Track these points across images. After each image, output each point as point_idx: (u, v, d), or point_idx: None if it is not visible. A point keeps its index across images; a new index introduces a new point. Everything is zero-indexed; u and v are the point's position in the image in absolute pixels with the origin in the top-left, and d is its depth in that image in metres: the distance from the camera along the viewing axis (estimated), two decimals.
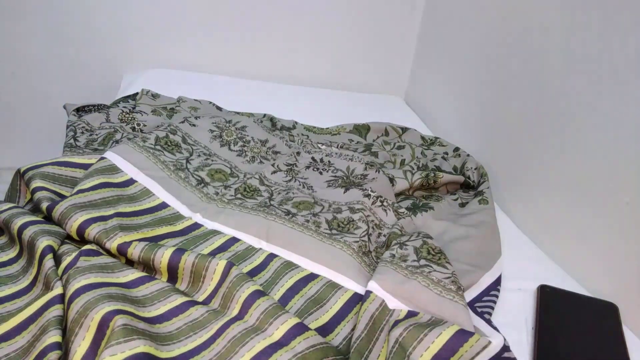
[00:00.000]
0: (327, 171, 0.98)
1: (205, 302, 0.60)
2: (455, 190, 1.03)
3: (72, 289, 0.53)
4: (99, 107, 1.10)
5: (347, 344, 0.60)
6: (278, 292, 0.65)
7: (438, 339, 0.54)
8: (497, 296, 0.71)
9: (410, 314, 0.61)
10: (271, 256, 0.72)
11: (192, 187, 0.85)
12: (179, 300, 0.57)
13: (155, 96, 1.22)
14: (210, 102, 1.28)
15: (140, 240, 0.66)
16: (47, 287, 0.56)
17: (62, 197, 0.74)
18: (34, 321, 0.53)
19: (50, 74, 1.55)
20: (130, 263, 0.65)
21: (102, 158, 0.81)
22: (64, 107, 1.10)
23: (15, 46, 1.48)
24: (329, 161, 1.01)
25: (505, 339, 0.59)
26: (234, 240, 0.74)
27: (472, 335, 0.54)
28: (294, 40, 1.63)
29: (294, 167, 0.98)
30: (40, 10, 1.44)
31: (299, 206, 0.83)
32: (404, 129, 1.25)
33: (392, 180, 0.97)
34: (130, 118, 1.06)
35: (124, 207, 0.74)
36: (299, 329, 0.54)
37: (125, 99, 1.20)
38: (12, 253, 0.64)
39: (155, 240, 0.70)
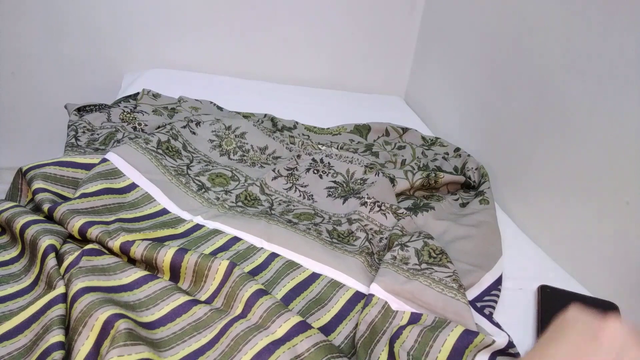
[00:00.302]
0: (327, 175, 0.98)
1: (208, 302, 0.60)
2: (456, 190, 1.03)
3: (75, 288, 0.53)
4: (100, 107, 1.10)
5: (349, 343, 0.60)
6: (280, 292, 0.65)
7: (445, 345, 0.54)
8: (498, 296, 0.72)
9: (414, 317, 0.61)
10: (273, 255, 0.72)
11: (193, 192, 0.85)
12: (182, 299, 0.57)
13: (156, 96, 1.22)
14: (211, 102, 1.28)
15: (142, 240, 0.66)
16: (50, 286, 0.56)
17: (64, 198, 0.74)
18: (36, 320, 0.53)
19: (51, 74, 1.55)
20: (132, 262, 0.65)
21: (105, 160, 0.81)
22: (65, 107, 1.10)
23: (16, 46, 1.48)
24: (328, 163, 1.01)
25: (509, 336, 0.59)
26: (235, 239, 0.74)
27: (477, 334, 0.55)
28: (294, 40, 1.64)
29: (295, 171, 0.98)
30: (40, 10, 1.44)
31: (300, 217, 0.84)
32: (405, 129, 1.25)
33: (392, 180, 0.97)
34: (131, 118, 1.06)
35: (125, 214, 0.75)
36: (302, 327, 0.55)
37: (126, 98, 1.20)
38: (14, 252, 0.64)
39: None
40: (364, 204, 0.87)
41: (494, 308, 0.69)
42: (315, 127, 1.24)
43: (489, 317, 0.64)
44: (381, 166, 1.06)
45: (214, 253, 0.71)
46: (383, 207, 0.87)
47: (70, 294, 0.53)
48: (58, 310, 0.52)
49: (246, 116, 1.25)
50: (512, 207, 1.01)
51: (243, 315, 0.57)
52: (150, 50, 1.56)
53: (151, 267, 0.64)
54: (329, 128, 1.25)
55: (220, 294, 0.60)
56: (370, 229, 0.83)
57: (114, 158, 0.82)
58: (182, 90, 1.33)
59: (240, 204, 0.86)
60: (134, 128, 1.04)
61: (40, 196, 0.70)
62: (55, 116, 1.58)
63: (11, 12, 1.43)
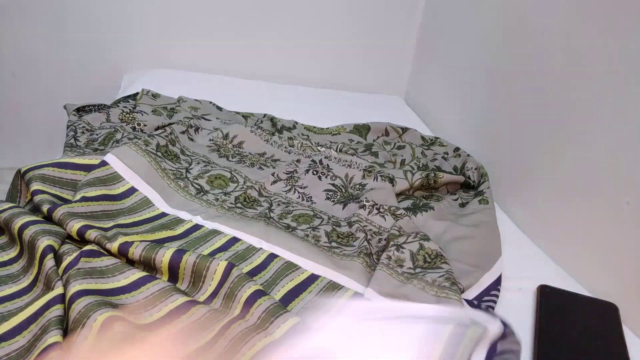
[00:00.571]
0: (326, 176, 0.98)
1: (207, 302, 0.60)
2: (455, 190, 1.03)
3: (72, 289, 0.53)
4: (99, 107, 1.10)
5: None
6: (278, 294, 0.65)
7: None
8: (497, 296, 0.71)
9: None
10: (272, 256, 0.72)
11: (191, 196, 0.85)
12: (181, 300, 0.57)
13: (155, 96, 1.22)
14: (211, 102, 1.28)
15: (140, 241, 0.66)
16: (48, 287, 0.56)
17: (62, 199, 0.74)
18: (34, 321, 0.53)
19: (51, 74, 1.55)
20: (131, 263, 0.65)
21: (104, 163, 0.81)
22: (65, 107, 1.10)
23: (16, 46, 1.48)
24: (327, 165, 1.01)
25: (506, 322, 0.57)
26: (234, 240, 0.74)
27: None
28: (294, 40, 1.64)
29: (294, 173, 0.98)
30: (40, 11, 1.44)
31: (299, 219, 0.84)
32: (404, 129, 1.25)
33: (392, 180, 0.97)
34: (130, 118, 1.06)
35: (124, 219, 0.75)
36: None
37: (126, 98, 1.20)
38: (12, 253, 0.64)
39: None
40: (363, 207, 0.88)
41: (493, 308, 0.69)
42: (314, 127, 1.24)
43: (485, 310, 0.64)
44: (380, 166, 1.06)
45: (213, 253, 0.71)
46: (381, 210, 0.87)
47: (68, 295, 0.53)
48: (56, 311, 0.52)
49: (245, 116, 1.25)
50: (511, 207, 1.01)
51: (241, 316, 0.57)
52: (150, 50, 1.56)
53: (150, 268, 0.64)
54: (328, 128, 1.25)
55: (219, 294, 0.60)
56: (369, 229, 0.83)
57: (114, 161, 0.82)
58: (181, 90, 1.33)
59: (239, 204, 0.86)
60: (133, 128, 1.04)
61: (39, 197, 0.70)
62: (55, 116, 1.58)
63: (11, 12, 1.43)
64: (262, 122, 1.23)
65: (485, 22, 1.20)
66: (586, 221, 0.81)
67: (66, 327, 0.52)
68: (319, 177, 0.98)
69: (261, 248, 0.73)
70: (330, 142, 1.18)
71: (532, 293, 0.75)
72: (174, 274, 0.63)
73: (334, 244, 0.78)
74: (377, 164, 1.06)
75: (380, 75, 1.75)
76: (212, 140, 1.06)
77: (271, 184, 0.94)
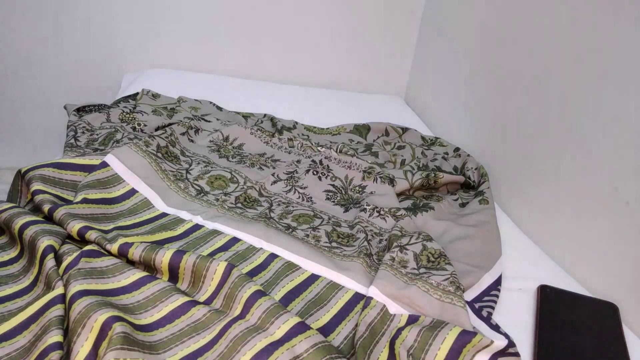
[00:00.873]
0: (326, 177, 0.98)
1: (207, 302, 0.60)
2: (455, 190, 1.03)
3: (73, 290, 0.53)
4: (99, 107, 1.11)
5: (348, 343, 0.60)
6: (279, 294, 0.65)
7: (444, 344, 0.54)
8: (497, 296, 0.71)
9: (412, 319, 0.61)
10: (272, 256, 0.72)
11: (191, 197, 0.85)
12: (181, 300, 0.57)
13: (155, 96, 1.22)
14: (211, 102, 1.28)
15: (140, 242, 0.66)
16: (49, 287, 0.56)
17: (63, 200, 0.74)
18: (35, 320, 0.53)
19: (51, 74, 1.55)
20: (131, 263, 0.65)
21: (104, 164, 0.81)
22: (65, 107, 1.10)
23: (16, 46, 1.49)
24: (327, 165, 1.01)
25: (508, 337, 0.59)
26: (234, 240, 0.74)
27: (475, 335, 0.55)
28: (294, 40, 1.64)
29: (294, 174, 0.98)
30: (40, 11, 1.44)
31: (299, 219, 0.84)
32: (404, 129, 1.25)
33: (392, 180, 0.97)
34: (130, 118, 1.06)
35: (124, 221, 0.75)
36: (301, 328, 0.55)
37: (126, 98, 1.20)
38: (13, 253, 0.64)
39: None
40: (363, 210, 0.88)
41: (493, 308, 0.69)
42: (314, 127, 1.24)
43: (488, 320, 0.64)
44: (380, 166, 1.06)
45: (214, 253, 0.71)
46: (382, 212, 0.87)
47: (68, 295, 0.53)
48: (57, 311, 0.52)
49: (245, 116, 1.25)
50: (511, 207, 1.01)
51: (242, 316, 0.57)
52: (150, 50, 1.57)
53: (150, 269, 0.64)
54: (328, 128, 1.25)
55: (219, 295, 0.60)
56: (370, 230, 0.83)
57: (114, 161, 0.82)
58: (181, 90, 1.33)
59: (239, 204, 0.86)
60: (134, 128, 1.04)
61: (39, 197, 0.70)
62: (55, 116, 1.58)
63: (11, 12, 1.43)
64: (262, 122, 1.23)
65: (485, 22, 1.21)
66: (586, 221, 0.81)
67: (67, 327, 0.52)
68: (319, 178, 0.98)
69: (261, 248, 0.73)
70: (330, 142, 1.18)
71: (532, 293, 0.75)
72: (174, 275, 0.63)
73: (334, 244, 0.78)
74: (377, 164, 1.06)
75: (380, 75, 1.76)
76: (213, 141, 1.06)
77: (271, 184, 0.94)
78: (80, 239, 0.66)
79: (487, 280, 0.74)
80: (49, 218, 0.68)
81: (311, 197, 0.93)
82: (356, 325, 0.61)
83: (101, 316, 0.49)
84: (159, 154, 0.91)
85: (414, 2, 1.62)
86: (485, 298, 0.71)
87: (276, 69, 1.67)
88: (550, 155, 0.91)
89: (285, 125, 1.21)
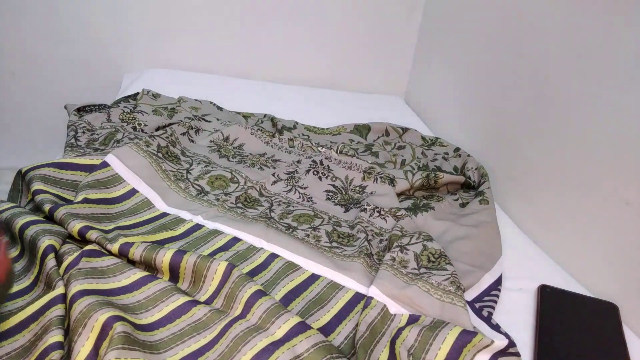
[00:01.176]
0: (327, 177, 0.98)
1: (208, 302, 0.60)
2: (455, 190, 1.03)
3: (74, 289, 0.53)
4: (99, 107, 1.11)
5: (349, 343, 0.60)
6: (279, 294, 0.65)
7: (444, 344, 0.54)
8: (497, 296, 0.71)
9: (412, 318, 0.61)
10: (272, 256, 0.72)
11: (192, 197, 0.85)
12: (182, 300, 0.58)
13: (155, 96, 1.22)
14: (211, 102, 1.28)
15: (141, 242, 0.67)
16: (49, 287, 0.56)
17: (64, 199, 0.74)
18: (35, 320, 0.53)
19: (51, 74, 1.55)
20: (132, 263, 0.65)
21: (105, 164, 0.81)
22: (65, 107, 1.10)
23: (16, 46, 1.49)
24: (327, 166, 1.01)
25: (508, 337, 0.59)
26: (235, 240, 0.74)
27: (476, 334, 0.55)
28: (294, 40, 1.64)
29: (295, 174, 0.98)
30: (41, 11, 1.44)
31: (299, 219, 0.84)
32: (405, 129, 1.25)
33: (392, 181, 0.97)
34: (131, 118, 1.06)
35: (125, 221, 0.75)
36: (301, 328, 0.55)
37: (126, 98, 1.20)
38: (13, 252, 0.64)
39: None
40: (364, 210, 0.88)
41: (493, 308, 0.69)
42: (315, 127, 1.24)
43: (488, 320, 0.64)
44: (381, 166, 1.06)
45: (214, 253, 0.71)
46: (382, 212, 0.87)
47: (69, 295, 0.53)
48: (57, 310, 0.52)
49: (246, 116, 1.25)
50: (512, 207, 1.01)
51: (242, 316, 0.57)
52: (150, 50, 1.57)
53: (150, 268, 0.64)
54: (328, 128, 1.25)
55: (220, 295, 0.60)
56: (371, 230, 0.83)
57: (114, 161, 0.82)
58: (182, 90, 1.33)
59: (240, 204, 0.86)
60: (134, 128, 1.04)
61: (40, 197, 0.70)
62: (56, 116, 1.58)
63: (12, 12, 1.43)
64: (262, 122, 1.23)
65: (485, 21, 1.21)
66: (587, 221, 0.81)
67: (67, 327, 0.52)
68: (320, 178, 0.98)
69: (262, 248, 0.73)
70: (331, 142, 1.18)
71: (532, 293, 0.75)
72: (174, 274, 0.63)
73: (334, 244, 0.78)
74: (378, 164, 1.06)
75: (380, 75, 1.76)
76: (213, 141, 1.06)
77: (272, 184, 0.94)
78: (81, 239, 0.66)
79: (487, 280, 0.74)
80: (49, 218, 0.68)
81: (311, 197, 0.93)
82: (357, 325, 0.61)
83: (102, 316, 0.49)
84: (160, 154, 0.91)
85: (414, 2, 1.62)
86: (486, 298, 0.71)
87: (276, 69, 1.67)
88: (551, 155, 0.91)
89: (285, 126, 1.21)
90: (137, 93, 1.23)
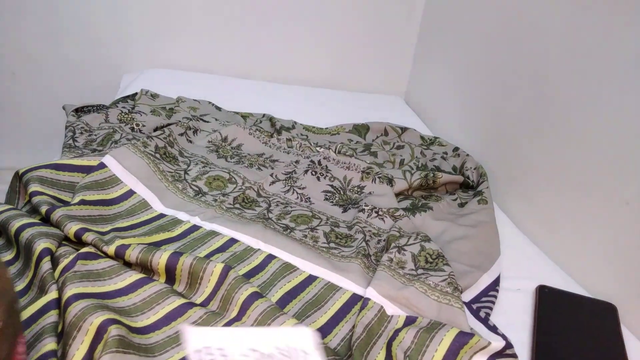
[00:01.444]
0: (325, 177, 0.98)
1: (204, 304, 0.60)
2: (454, 190, 1.03)
3: (69, 292, 0.53)
4: (97, 108, 1.10)
5: (345, 345, 0.60)
6: (276, 295, 0.65)
7: (441, 346, 0.54)
8: (495, 297, 0.71)
9: (409, 320, 0.61)
10: (270, 257, 0.72)
11: (189, 198, 0.85)
12: (178, 302, 0.57)
13: (154, 96, 1.22)
14: (210, 102, 1.28)
15: (137, 244, 0.66)
16: (42, 291, 0.56)
17: (61, 201, 0.74)
18: (28, 327, 0.52)
19: (51, 74, 1.55)
20: (128, 265, 0.65)
21: (102, 165, 0.81)
22: (63, 107, 1.10)
23: (16, 46, 1.49)
24: (326, 166, 1.01)
25: (506, 338, 0.59)
26: (232, 241, 0.74)
27: (473, 336, 0.55)
28: (294, 40, 1.63)
29: (293, 174, 0.97)
30: (40, 11, 1.44)
31: (297, 219, 0.84)
32: (404, 129, 1.25)
33: (391, 181, 0.97)
34: (129, 118, 1.06)
35: (122, 222, 0.75)
36: None
37: (125, 99, 1.20)
38: (8, 255, 0.64)
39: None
40: (362, 210, 0.88)
41: (491, 309, 0.69)
42: (313, 127, 1.24)
43: (485, 321, 0.64)
44: (379, 166, 1.05)
45: (211, 254, 0.70)
46: (380, 212, 0.87)
47: (64, 298, 0.53)
48: (50, 317, 0.52)
49: (244, 116, 1.25)
50: (511, 207, 1.01)
51: (238, 318, 0.57)
52: (149, 50, 1.57)
53: (147, 270, 0.64)
54: (327, 128, 1.25)
55: (216, 297, 0.60)
56: (369, 231, 0.83)
57: (112, 162, 0.82)
58: (181, 90, 1.33)
59: (238, 205, 0.86)
60: (132, 129, 1.03)
61: (37, 199, 0.70)
62: (55, 116, 1.58)
63: (11, 12, 1.43)
64: (261, 122, 1.23)
65: (485, 22, 1.20)
66: (586, 221, 0.81)
67: (61, 331, 0.51)
68: (318, 178, 0.98)
69: (259, 249, 0.73)
70: (329, 142, 1.18)
71: (530, 293, 0.75)
72: (171, 276, 0.63)
73: (332, 245, 0.78)
74: (376, 164, 1.05)
75: (380, 75, 1.75)
76: (211, 141, 1.06)
77: (270, 185, 0.94)
78: (77, 241, 0.66)
79: (485, 281, 0.74)
80: (46, 219, 0.68)
81: (309, 198, 0.93)
82: (353, 326, 0.61)
83: (97, 319, 0.49)
84: (157, 155, 0.91)
85: (414, 2, 1.62)
86: (484, 299, 0.71)
87: (276, 69, 1.67)
88: (550, 155, 0.90)
89: (284, 125, 1.21)
90: (136, 93, 1.23)
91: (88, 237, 0.64)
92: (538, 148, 0.94)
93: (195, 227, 0.76)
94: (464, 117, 1.28)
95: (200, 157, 0.99)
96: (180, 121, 1.08)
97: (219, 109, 1.26)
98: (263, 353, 0.30)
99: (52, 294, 0.54)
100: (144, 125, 1.05)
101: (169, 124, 1.07)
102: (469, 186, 1.02)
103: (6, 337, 0.41)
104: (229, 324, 0.55)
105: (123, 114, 1.06)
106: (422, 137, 1.22)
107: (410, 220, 0.86)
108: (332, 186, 0.97)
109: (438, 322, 0.59)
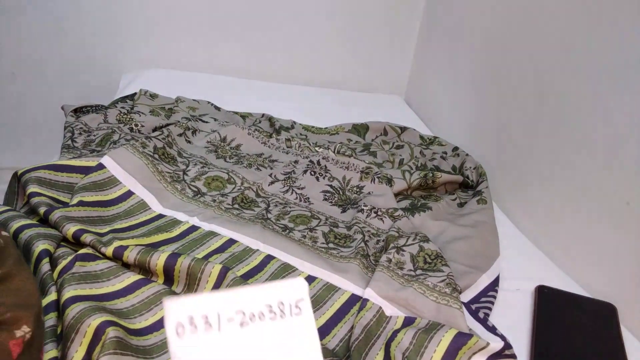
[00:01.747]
0: (324, 177, 0.98)
1: None
2: (453, 190, 1.03)
3: (67, 294, 0.53)
4: (96, 108, 1.10)
5: (344, 346, 0.60)
6: None
7: (439, 347, 0.54)
8: (494, 297, 0.71)
9: (408, 321, 0.61)
10: (269, 258, 0.72)
11: (188, 198, 0.85)
12: None
13: (153, 96, 1.22)
14: (209, 102, 1.28)
15: (135, 245, 0.66)
16: (42, 292, 0.56)
17: (59, 202, 0.74)
18: None
19: (50, 74, 1.55)
20: (126, 266, 0.65)
21: (101, 166, 0.81)
22: (62, 108, 1.10)
23: (16, 46, 1.48)
24: (325, 166, 1.01)
25: (504, 338, 0.59)
26: (231, 242, 0.74)
27: (471, 337, 0.55)
28: (294, 40, 1.63)
29: (292, 174, 0.97)
30: (40, 11, 1.44)
31: (296, 220, 0.84)
32: (403, 129, 1.25)
33: (390, 181, 0.97)
34: (128, 119, 1.06)
35: (120, 223, 0.75)
36: None
37: (124, 99, 1.20)
38: None
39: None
40: (361, 211, 0.87)
41: (490, 310, 0.68)
42: (313, 127, 1.24)
43: (484, 321, 0.64)
44: (379, 166, 1.05)
45: (210, 255, 0.70)
46: (379, 213, 0.87)
47: (62, 300, 0.53)
48: (49, 320, 0.52)
49: (244, 116, 1.25)
50: (510, 207, 1.01)
51: None
52: (149, 51, 1.56)
53: (145, 271, 0.64)
54: (326, 127, 1.25)
55: None
56: (368, 231, 0.83)
57: (110, 163, 0.82)
58: (180, 90, 1.33)
59: (236, 205, 0.86)
60: (131, 129, 1.03)
61: (35, 200, 0.70)
62: (55, 116, 1.58)
63: (11, 12, 1.43)
64: (260, 122, 1.23)
65: (485, 22, 1.20)
66: (585, 221, 0.81)
67: (60, 332, 0.51)
68: (317, 178, 0.98)
69: (258, 250, 0.73)
70: (329, 142, 1.18)
71: (530, 293, 0.75)
72: (169, 277, 0.63)
73: (331, 245, 0.78)
74: (376, 164, 1.05)
75: (380, 75, 1.75)
76: (210, 142, 1.06)
77: (269, 185, 0.94)
78: (76, 242, 0.66)
79: (484, 281, 0.74)
80: (44, 220, 0.68)
81: (309, 198, 0.93)
82: (352, 327, 0.61)
83: (94, 321, 0.49)
84: (156, 155, 0.91)
85: (414, 2, 1.62)
86: (483, 299, 0.71)
87: (276, 69, 1.67)
88: (550, 156, 0.90)
89: (283, 125, 1.21)
90: (135, 93, 1.23)
91: (86, 238, 0.64)
92: (537, 148, 0.94)
93: (194, 228, 0.76)
94: (463, 117, 1.28)
95: (199, 158, 0.99)
96: (179, 121, 1.08)
97: (218, 109, 1.26)
98: (252, 314, 0.29)
99: (51, 296, 0.54)
100: (142, 126, 1.05)
101: (167, 124, 1.07)
102: (469, 186, 1.02)
103: (36, 347, 0.42)
104: None
105: (122, 114, 1.06)
106: (421, 137, 1.22)
107: (409, 221, 0.86)
108: (331, 186, 0.97)
109: (437, 322, 0.59)
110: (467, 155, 1.10)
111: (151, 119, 1.08)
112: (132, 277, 0.60)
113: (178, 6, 1.51)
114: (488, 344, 0.55)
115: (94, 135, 0.98)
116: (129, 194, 0.80)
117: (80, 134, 0.98)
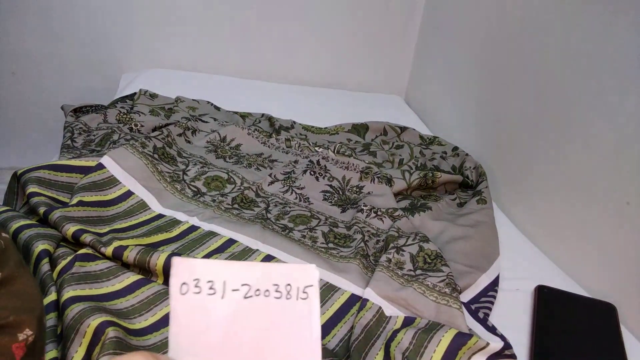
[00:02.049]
0: (324, 177, 0.98)
1: None
2: (453, 189, 1.03)
3: (66, 295, 0.53)
4: (96, 108, 1.10)
5: (344, 345, 0.60)
6: None
7: (439, 347, 0.54)
8: (494, 297, 0.71)
9: (407, 321, 0.61)
10: (268, 257, 0.71)
11: (188, 198, 0.85)
12: None
13: (153, 96, 1.22)
14: (209, 102, 1.28)
15: (135, 245, 0.66)
16: (42, 292, 0.56)
17: (59, 202, 0.74)
18: None
19: (50, 74, 1.55)
20: (126, 266, 0.65)
21: (100, 166, 0.81)
22: (62, 108, 1.10)
23: (15, 46, 1.48)
24: (325, 166, 1.00)
25: (504, 338, 0.59)
26: (230, 242, 0.74)
27: (471, 337, 0.54)
28: (294, 40, 1.63)
29: (292, 174, 0.97)
30: (40, 11, 1.44)
31: (296, 220, 0.84)
32: (403, 128, 1.25)
33: (390, 180, 0.97)
34: (127, 119, 1.06)
35: (120, 223, 0.75)
36: None
37: (123, 99, 1.20)
38: None
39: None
40: (360, 210, 0.87)
41: (490, 310, 0.68)
42: (312, 127, 1.24)
43: (484, 321, 0.64)
44: (378, 166, 1.05)
45: (210, 255, 0.70)
46: (379, 213, 0.87)
47: (61, 300, 0.53)
48: (49, 321, 0.51)
49: (243, 116, 1.25)
50: (510, 207, 1.01)
51: None
52: (148, 50, 1.56)
53: (145, 271, 0.64)
54: (326, 127, 1.24)
55: None
56: (367, 231, 0.83)
57: (110, 163, 0.82)
58: (180, 90, 1.33)
59: (236, 205, 0.85)
60: (130, 129, 1.03)
61: (35, 200, 0.70)
62: (55, 116, 1.58)
63: (11, 12, 1.43)
64: (259, 122, 1.23)
65: (485, 22, 1.20)
66: (585, 221, 0.81)
67: (60, 332, 0.51)
68: (317, 178, 0.98)
69: (257, 250, 0.73)
70: (328, 141, 1.18)
71: (529, 293, 0.75)
72: (168, 277, 0.63)
73: (330, 245, 0.78)
74: (375, 164, 1.05)
75: (380, 75, 1.75)
76: (210, 142, 1.06)
77: (268, 185, 0.93)
78: (76, 242, 0.66)
79: (484, 281, 0.74)
80: (44, 220, 0.68)
81: (308, 198, 0.93)
82: (352, 327, 0.61)
83: (94, 321, 0.49)
84: (156, 155, 0.91)
85: (414, 2, 1.62)
86: (482, 299, 0.71)
87: (276, 69, 1.67)
88: (550, 156, 0.90)
89: (283, 125, 1.21)
90: (134, 93, 1.23)
91: (86, 238, 0.64)
92: (538, 148, 0.94)
93: (193, 228, 0.76)
94: (463, 117, 1.28)
95: (198, 158, 0.99)
96: (178, 121, 1.08)
97: (218, 108, 1.26)
98: (258, 289, 0.29)
99: (51, 296, 0.54)
100: (142, 126, 1.04)
101: (167, 124, 1.07)
102: (468, 186, 1.02)
103: (38, 350, 0.42)
104: None
105: (122, 114, 1.06)
106: (421, 137, 1.22)
107: (409, 221, 0.86)
108: (330, 186, 0.97)
109: (436, 322, 0.59)
110: (466, 155, 1.10)
111: (151, 119, 1.08)
112: (131, 277, 0.60)
113: (178, 6, 1.51)
114: (488, 344, 0.55)
115: (94, 135, 0.98)
116: (129, 194, 0.80)
117: (80, 134, 0.98)
